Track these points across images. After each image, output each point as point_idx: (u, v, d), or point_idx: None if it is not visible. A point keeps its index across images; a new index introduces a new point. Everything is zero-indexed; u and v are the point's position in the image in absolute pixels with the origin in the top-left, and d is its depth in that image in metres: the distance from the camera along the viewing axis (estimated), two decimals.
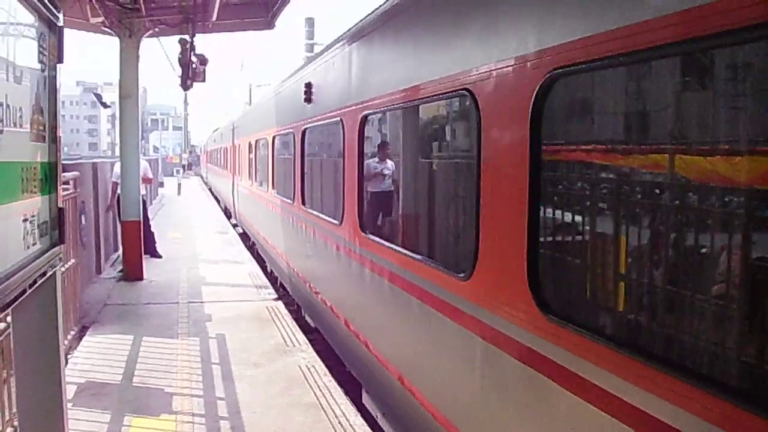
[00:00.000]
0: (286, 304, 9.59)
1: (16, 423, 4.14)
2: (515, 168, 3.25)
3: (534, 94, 3.04)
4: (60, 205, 3.73)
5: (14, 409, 4.19)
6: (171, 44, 12.21)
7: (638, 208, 3.01)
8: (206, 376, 6.44)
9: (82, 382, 6.15)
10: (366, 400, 6.09)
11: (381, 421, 5.59)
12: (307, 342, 7.63)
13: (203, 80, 12.67)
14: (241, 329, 8.14)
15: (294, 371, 6.62)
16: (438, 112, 5.39)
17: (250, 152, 14.89)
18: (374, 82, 5.71)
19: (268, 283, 11.03)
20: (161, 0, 10.76)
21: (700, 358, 2.57)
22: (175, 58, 12.15)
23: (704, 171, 2.61)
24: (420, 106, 5.16)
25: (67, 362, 6.22)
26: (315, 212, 7.94)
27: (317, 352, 7.32)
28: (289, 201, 9.58)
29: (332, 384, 6.27)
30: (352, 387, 6.41)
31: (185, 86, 12.83)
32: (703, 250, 2.59)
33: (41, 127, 3.36)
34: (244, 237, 17.15)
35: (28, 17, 3.19)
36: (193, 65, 12.19)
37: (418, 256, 4.77)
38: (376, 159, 6.62)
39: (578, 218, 3.37)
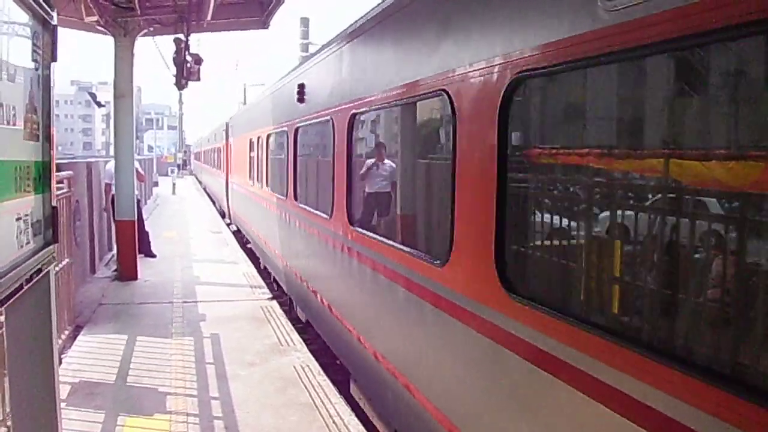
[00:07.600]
0: (280, 304, 9.60)
1: (9, 423, 4.12)
2: None
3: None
4: (54, 204, 3.73)
5: (8, 409, 4.18)
6: (166, 43, 12.14)
7: None
8: (200, 376, 6.44)
9: (76, 382, 6.14)
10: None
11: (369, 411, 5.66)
12: (302, 341, 7.63)
13: (198, 79, 12.61)
14: (236, 329, 8.14)
15: (289, 371, 6.62)
16: None
17: (206, 153, 37.00)
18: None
19: (263, 283, 11.02)
20: None
21: None
22: (170, 58, 12.09)
23: None
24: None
25: (60, 362, 6.21)
26: (207, 165, 37.34)
27: (312, 351, 7.32)
28: (208, 165, 36.01)
29: (327, 383, 6.27)
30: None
31: (180, 85, 12.75)
32: None
33: (35, 126, 3.35)
34: (237, 233, 17.23)
35: (22, 16, 3.19)
36: (188, 64, 12.12)
37: None
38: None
39: None
